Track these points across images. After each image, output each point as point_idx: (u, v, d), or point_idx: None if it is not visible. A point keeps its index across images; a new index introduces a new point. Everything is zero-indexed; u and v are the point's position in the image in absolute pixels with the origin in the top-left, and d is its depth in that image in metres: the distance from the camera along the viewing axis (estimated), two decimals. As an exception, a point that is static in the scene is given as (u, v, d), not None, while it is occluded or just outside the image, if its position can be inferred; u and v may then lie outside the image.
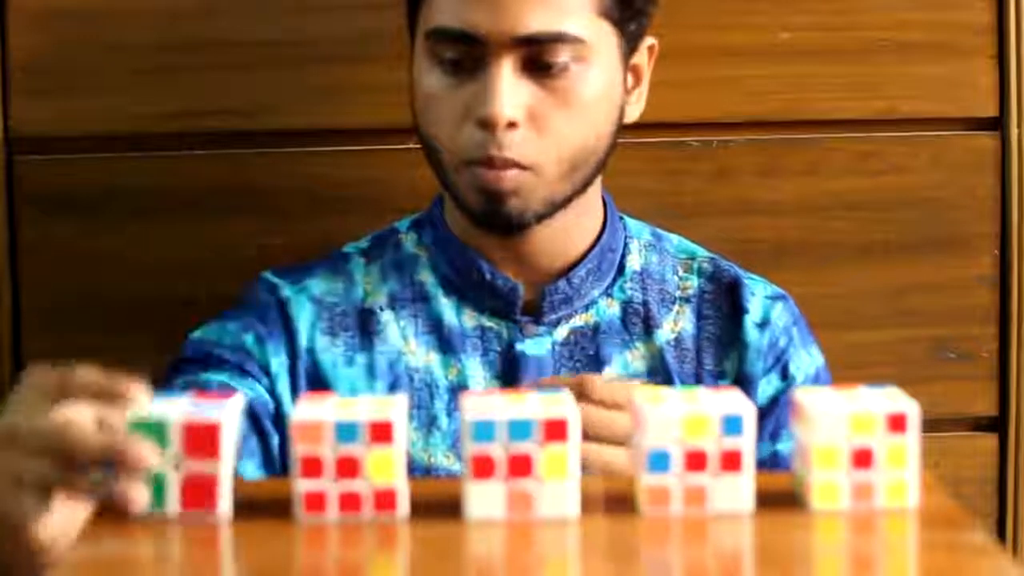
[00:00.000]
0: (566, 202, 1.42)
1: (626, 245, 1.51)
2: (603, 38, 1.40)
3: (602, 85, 1.40)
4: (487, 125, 1.36)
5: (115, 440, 0.99)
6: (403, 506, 0.99)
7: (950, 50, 1.72)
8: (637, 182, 1.68)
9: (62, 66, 1.68)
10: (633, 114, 1.47)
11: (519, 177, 1.38)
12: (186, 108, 1.69)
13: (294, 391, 1.45)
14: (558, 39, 1.37)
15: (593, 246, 1.48)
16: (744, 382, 1.48)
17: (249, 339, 1.45)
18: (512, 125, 1.37)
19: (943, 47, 1.71)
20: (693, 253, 1.54)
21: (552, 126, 1.38)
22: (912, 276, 1.73)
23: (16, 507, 1.02)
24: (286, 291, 1.48)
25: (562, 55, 1.37)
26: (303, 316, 1.47)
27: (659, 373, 1.47)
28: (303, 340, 1.46)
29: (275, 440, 1.43)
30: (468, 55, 1.38)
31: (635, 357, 1.47)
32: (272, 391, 1.44)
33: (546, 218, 1.42)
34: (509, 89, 1.36)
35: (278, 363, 1.45)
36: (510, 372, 1.44)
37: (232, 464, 1.00)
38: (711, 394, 1.03)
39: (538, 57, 1.37)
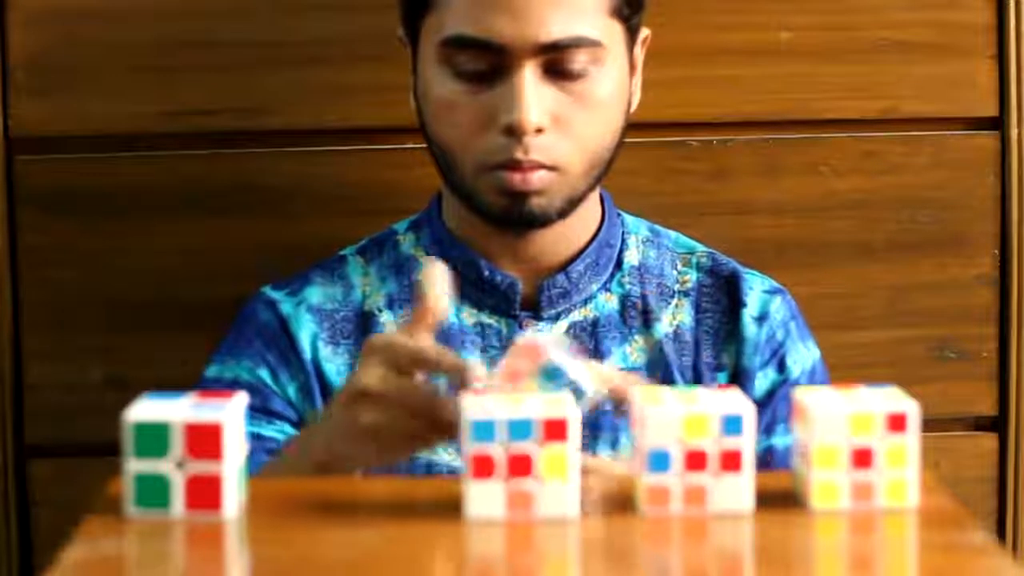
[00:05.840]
0: (583, 198, 1.43)
1: (624, 241, 1.52)
2: (615, 38, 1.41)
3: (616, 84, 1.42)
4: (514, 132, 1.38)
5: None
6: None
7: (950, 50, 1.72)
8: (637, 182, 1.68)
9: (62, 66, 1.68)
10: (634, 104, 1.48)
11: (545, 177, 1.40)
12: (186, 108, 1.69)
13: (313, 409, 1.46)
14: (578, 44, 1.38)
15: (591, 241, 1.49)
16: (741, 375, 1.49)
17: (265, 374, 1.47)
18: (539, 131, 1.38)
19: (943, 47, 1.71)
20: (692, 248, 1.55)
21: (574, 128, 1.40)
22: (912, 276, 1.73)
23: (362, 456, 1.21)
24: (286, 307, 1.49)
25: (580, 59, 1.39)
26: (304, 331, 1.48)
27: (658, 366, 1.48)
28: (307, 355, 1.47)
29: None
30: (487, 62, 1.38)
31: (634, 350, 1.48)
32: (300, 421, 1.46)
33: (566, 215, 1.43)
34: (534, 95, 1.37)
35: (294, 389, 1.47)
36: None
37: (237, 464, 1.00)
38: (711, 394, 1.03)
39: (558, 63, 1.38)
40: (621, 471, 1.22)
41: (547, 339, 1.18)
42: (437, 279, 1.20)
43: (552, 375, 1.16)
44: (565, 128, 1.39)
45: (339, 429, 1.22)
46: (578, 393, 1.15)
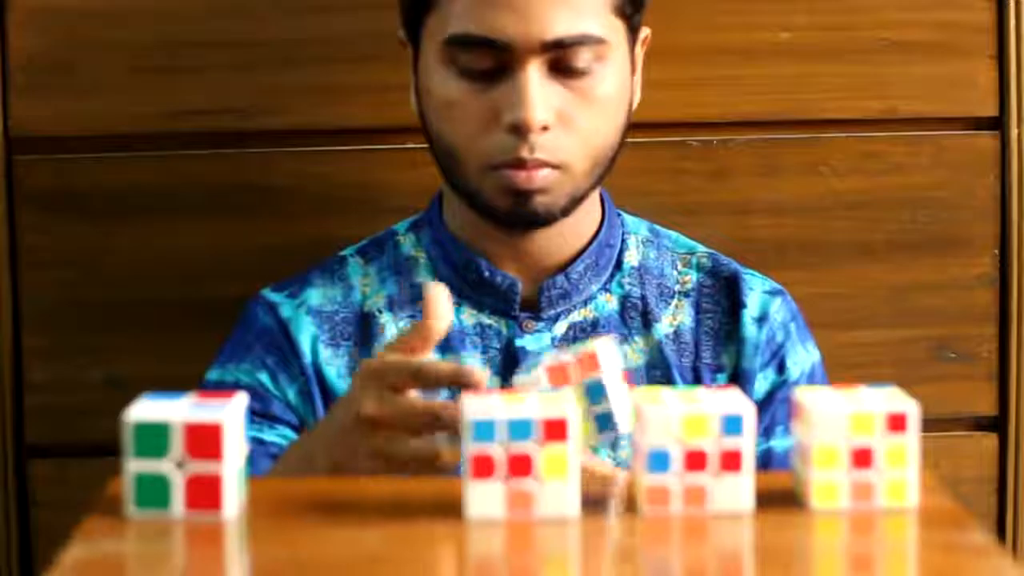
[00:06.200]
0: (585, 196, 1.43)
1: (624, 241, 1.52)
2: (617, 34, 1.42)
3: (619, 81, 1.42)
4: (520, 130, 1.38)
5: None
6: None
7: (950, 50, 1.72)
8: (637, 182, 1.68)
9: (62, 66, 1.68)
10: (635, 103, 1.48)
11: (549, 176, 1.40)
12: (186, 108, 1.69)
13: (313, 412, 1.46)
14: (582, 41, 1.38)
15: (591, 242, 1.49)
16: (741, 377, 1.49)
17: (265, 378, 1.47)
18: (544, 128, 1.38)
19: (943, 47, 1.71)
20: (692, 248, 1.55)
21: (579, 125, 1.40)
22: (912, 276, 1.73)
23: (365, 472, 1.20)
24: (286, 311, 1.49)
25: (585, 57, 1.39)
26: (305, 335, 1.48)
27: (658, 366, 1.48)
28: (308, 358, 1.47)
29: None
30: (491, 61, 1.38)
31: (633, 351, 1.48)
32: (301, 425, 1.46)
33: (569, 213, 1.43)
34: (539, 93, 1.38)
35: (294, 392, 1.47)
36: (510, 368, 1.45)
37: (237, 464, 1.00)
38: (711, 394, 1.03)
39: (563, 60, 1.39)
40: (605, 472, 1.22)
41: (608, 356, 1.15)
42: (440, 301, 1.19)
43: (594, 395, 1.13)
44: (570, 125, 1.39)
45: (343, 455, 1.22)
46: (607, 424, 1.13)
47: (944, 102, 1.73)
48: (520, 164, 1.39)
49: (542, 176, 1.39)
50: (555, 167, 1.40)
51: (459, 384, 1.17)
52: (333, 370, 1.47)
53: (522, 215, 1.41)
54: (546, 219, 1.42)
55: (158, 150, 1.69)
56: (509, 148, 1.39)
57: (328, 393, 1.46)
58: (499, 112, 1.39)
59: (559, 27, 1.37)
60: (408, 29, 1.46)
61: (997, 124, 1.73)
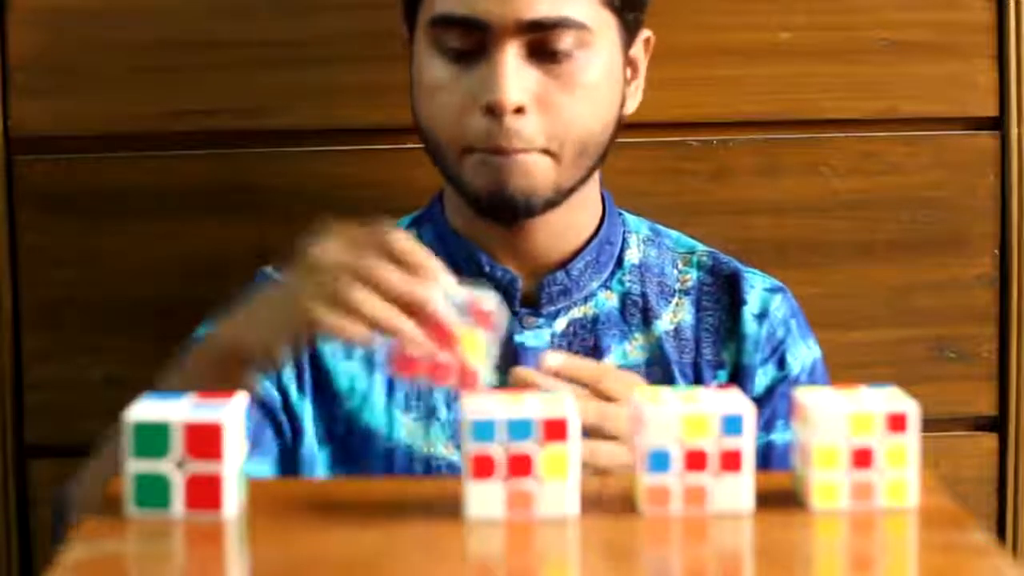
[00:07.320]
0: (571, 190, 1.43)
1: (625, 239, 1.52)
2: (605, 26, 1.41)
3: (604, 71, 1.41)
4: (494, 111, 1.37)
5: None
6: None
7: (950, 50, 1.72)
8: (637, 182, 1.68)
9: (62, 66, 1.68)
10: (631, 106, 1.48)
11: (527, 161, 1.39)
12: (186, 108, 1.69)
13: (300, 383, 1.46)
14: (562, 24, 1.38)
15: (591, 239, 1.49)
16: (742, 373, 1.49)
17: None
18: (519, 110, 1.38)
19: (943, 47, 1.71)
20: (692, 247, 1.55)
21: (558, 111, 1.39)
22: (912, 276, 1.73)
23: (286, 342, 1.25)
24: None
25: (566, 41, 1.38)
26: None
27: (658, 363, 1.48)
28: None
29: (287, 430, 1.45)
30: (472, 42, 1.38)
31: (634, 348, 1.48)
32: (278, 385, 1.45)
33: (552, 206, 1.42)
34: (515, 74, 1.37)
35: (286, 369, 1.46)
36: (509, 363, 1.45)
37: (237, 464, 1.00)
38: (711, 394, 1.03)
39: (543, 43, 1.38)
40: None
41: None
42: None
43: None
44: (547, 110, 1.39)
45: (268, 330, 1.27)
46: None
47: (944, 102, 1.73)
48: (497, 150, 1.39)
49: (519, 160, 1.38)
50: (532, 152, 1.39)
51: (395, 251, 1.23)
52: (329, 348, 1.46)
53: (501, 203, 1.40)
54: (526, 207, 1.41)
55: (158, 150, 1.69)
56: (487, 133, 1.38)
57: (321, 369, 1.46)
58: (477, 94, 1.39)
59: (538, 8, 1.37)
60: (407, 20, 1.47)
61: (997, 124, 1.73)
